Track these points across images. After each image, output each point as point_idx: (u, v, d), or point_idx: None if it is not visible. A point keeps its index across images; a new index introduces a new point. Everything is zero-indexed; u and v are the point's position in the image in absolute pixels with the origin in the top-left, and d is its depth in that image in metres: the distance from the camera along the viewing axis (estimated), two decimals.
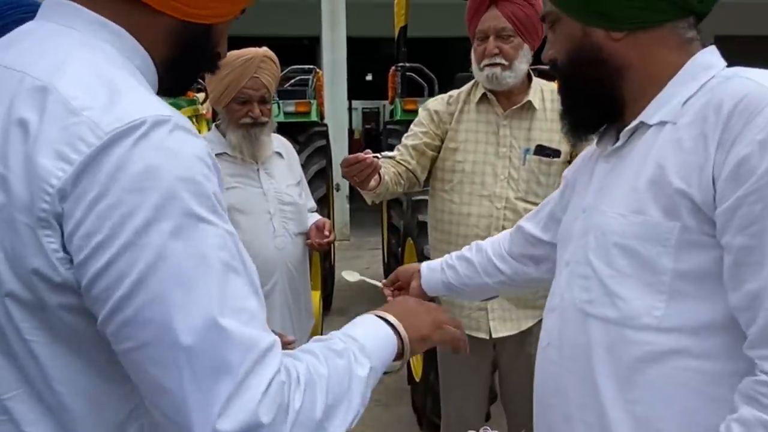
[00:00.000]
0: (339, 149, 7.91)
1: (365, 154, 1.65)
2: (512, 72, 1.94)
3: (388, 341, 0.88)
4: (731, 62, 1.01)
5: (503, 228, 1.99)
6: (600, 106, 1.07)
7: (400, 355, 0.90)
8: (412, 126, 2.13)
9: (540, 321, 2.07)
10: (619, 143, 1.05)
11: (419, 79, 5.51)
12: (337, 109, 8.41)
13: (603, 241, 1.01)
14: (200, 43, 0.83)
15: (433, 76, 5.44)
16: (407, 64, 5.12)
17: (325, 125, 5.79)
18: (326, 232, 2.16)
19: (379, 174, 1.79)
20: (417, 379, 3.35)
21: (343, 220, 8.30)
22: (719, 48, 1.08)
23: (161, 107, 0.69)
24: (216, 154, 1.73)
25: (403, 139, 2.11)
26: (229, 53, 1.83)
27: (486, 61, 1.93)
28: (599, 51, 1.02)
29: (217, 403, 0.65)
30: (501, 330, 2.06)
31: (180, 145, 0.67)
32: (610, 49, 1.02)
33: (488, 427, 1.41)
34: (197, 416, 0.65)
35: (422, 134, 2.06)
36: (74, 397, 0.70)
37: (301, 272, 2.17)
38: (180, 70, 0.84)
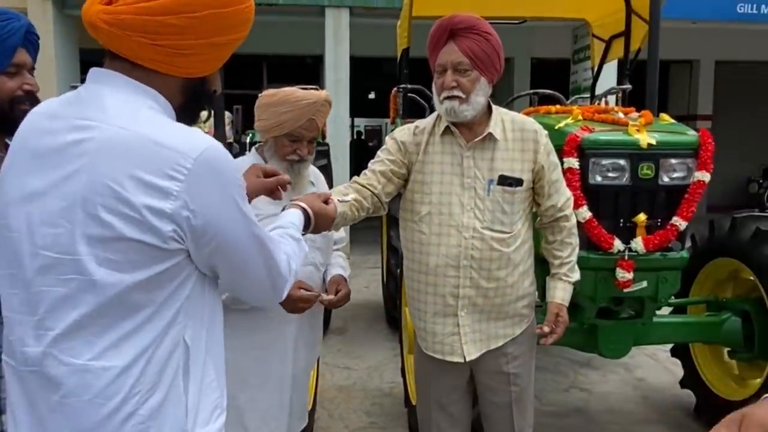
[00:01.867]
0: (341, 168, 7.92)
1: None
2: (469, 105, 1.99)
3: (298, 217, 1.58)
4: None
5: (472, 257, 2.03)
6: None
7: (307, 226, 1.63)
8: (378, 153, 2.16)
9: (512, 339, 2.12)
10: None
11: (420, 100, 5.53)
12: (338, 128, 8.44)
13: None
14: (200, 89, 1.22)
15: None
16: (408, 86, 5.14)
17: (327, 144, 5.80)
18: (339, 289, 2.13)
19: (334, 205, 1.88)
20: (413, 402, 3.32)
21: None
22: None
23: (204, 136, 1.11)
24: None
25: (369, 164, 2.14)
26: (292, 91, 2.02)
27: (445, 94, 1.99)
28: None
29: (281, 264, 1.26)
30: (474, 352, 2.10)
31: (228, 159, 1.14)
32: None
33: None
34: (276, 275, 1.25)
35: (389, 161, 2.10)
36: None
37: (318, 307, 2.12)
38: (189, 110, 1.23)
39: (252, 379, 1.97)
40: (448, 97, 1.99)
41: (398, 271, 4.07)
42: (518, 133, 2.08)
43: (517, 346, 2.13)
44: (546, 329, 2.11)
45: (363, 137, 19.60)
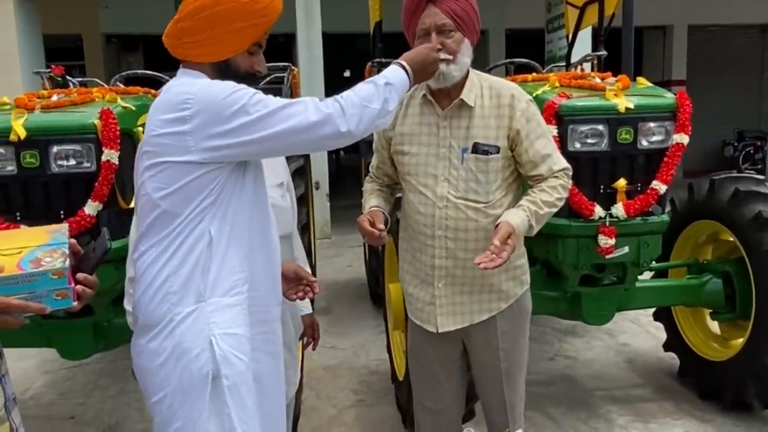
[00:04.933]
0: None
1: (379, 233, 1.93)
2: (457, 66, 1.94)
3: (399, 70, 1.73)
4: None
5: (447, 227, 2.00)
6: None
7: (410, 78, 1.75)
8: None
9: (501, 313, 2.07)
10: None
11: None
12: None
13: None
14: (226, 69, 1.62)
15: None
16: (383, 60, 5.06)
17: None
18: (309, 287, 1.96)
19: (386, 218, 2.06)
20: (400, 378, 3.31)
21: (323, 218, 8.23)
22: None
23: (205, 81, 1.57)
24: None
25: (373, 158, 2.24)
26: None
27: None
28: None
29: (305, 115, 1.53)
30: (447, 324, 2.07)
31: (218, 82, 1.55)
32: None
33: (471, 429, 1.37)
34: (302, 126, 1.54)
35: (377, 153, 2.20)
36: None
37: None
38: None
39: None
40: None
41: (379, 248, 4.05)
42: (495, 99, 2.00)
43: (506, 321, 2.09)
44: (491, 253, 1.78)
45: None
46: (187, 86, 1.53)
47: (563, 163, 2.04)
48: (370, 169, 2.28)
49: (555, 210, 2.00)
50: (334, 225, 8.51)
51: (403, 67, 1.73)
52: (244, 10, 1.55)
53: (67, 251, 1.28)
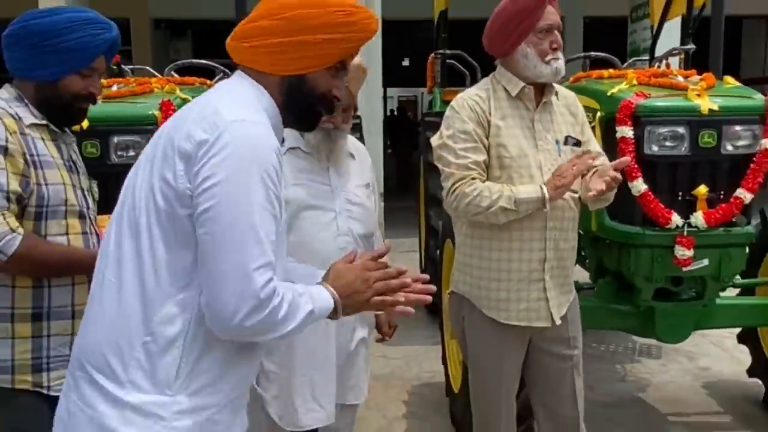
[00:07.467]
0: (374, 142, 7.99)
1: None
2: (563, 61, 2.27)
3: (329, 301, 1.42)
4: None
5: (555, 218, 2.25)
6: None
7: (335, 311, 1.43)
8: (459, 133, 2.21)
9: (573, 302, 2.38)
10: None
11: (461, 67, 5.59)
12: (371, 99, 8.50)
13: None
14: (296, 87, 1.43)
15: (475, 63, 5.51)
16: (447, 51, 5.20)
17: (359, 117, 5.90)
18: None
19: None
20: (456, 390, 3.45)
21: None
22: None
23: (252, 113, 1.35)
24: (289, 148, 2.11)
25: (464, 153, 2.19)
26: None
27: (552, 55, 2.20)
28: None
29: (250, 267, 1.28)
30: (557, 315, 2.33)
31: (259, 135, 1.31)
32: None
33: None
34: (233, 268, 1.27)
35: (477, 149, 2.20)
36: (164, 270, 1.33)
37: None
38: (292, 110, 1.45)
39: (297, 358, 2.15)
40: (556, 58, 2.20)
41: (437, 253, 4.17)
42: (562, 99, 2.35)
43: (571, 309, 2.38)
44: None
45: (396, 113, 19.48)
46: (228, 109, 1.33)
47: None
48: (469, 169, 2.20)
49: None
50: (388, 226, 8.63)
51: (334, 299, 1.42)
52: (332, 19, 1.39)
53: None
